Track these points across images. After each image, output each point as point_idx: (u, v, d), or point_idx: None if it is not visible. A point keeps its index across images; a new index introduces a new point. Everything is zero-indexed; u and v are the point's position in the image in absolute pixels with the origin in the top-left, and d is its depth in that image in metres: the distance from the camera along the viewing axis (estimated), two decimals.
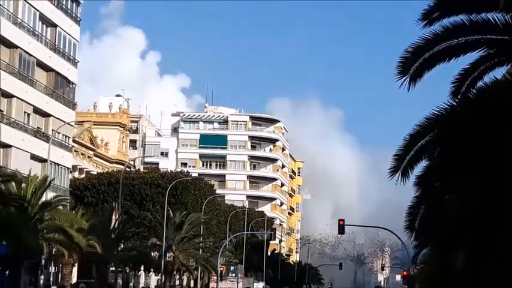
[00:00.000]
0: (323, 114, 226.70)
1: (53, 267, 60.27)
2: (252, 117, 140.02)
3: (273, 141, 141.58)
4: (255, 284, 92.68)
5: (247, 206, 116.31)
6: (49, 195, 49.67)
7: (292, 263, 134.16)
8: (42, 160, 58.03)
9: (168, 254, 68.10)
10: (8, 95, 56.02)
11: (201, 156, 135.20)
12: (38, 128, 60.58)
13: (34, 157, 58.51)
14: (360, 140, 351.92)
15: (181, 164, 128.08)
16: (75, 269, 57.71)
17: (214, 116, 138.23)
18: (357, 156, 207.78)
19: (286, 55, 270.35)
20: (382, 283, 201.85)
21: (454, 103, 19.81)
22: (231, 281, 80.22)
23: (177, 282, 78.45)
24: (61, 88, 63.79)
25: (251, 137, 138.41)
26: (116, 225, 59.38)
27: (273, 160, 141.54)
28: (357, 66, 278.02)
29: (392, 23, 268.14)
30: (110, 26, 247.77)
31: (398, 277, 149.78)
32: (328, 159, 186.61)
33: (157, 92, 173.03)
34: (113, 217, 59.57)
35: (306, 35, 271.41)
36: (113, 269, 63.82)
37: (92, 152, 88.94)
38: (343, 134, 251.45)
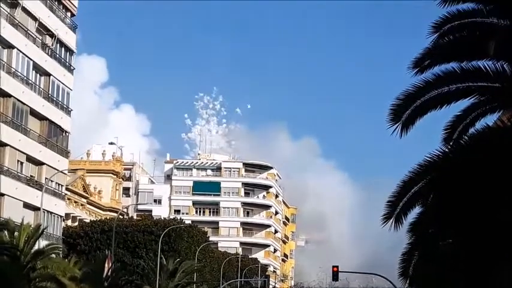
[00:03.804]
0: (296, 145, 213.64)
1: None
2: (245, 164, 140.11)
3: (266, 187, 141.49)
4: None
5: (241, 253, 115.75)
6: (42, 243, 49.48)
7: None
8: (35, 208, 57.87)
9: None
10: (1, 144, 56.06)
11: (195, 203, 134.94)
12: (31, 176, 60.50)
13: (27, 205, 58.35)
14: (345, 169, 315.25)
15: (175, 211, 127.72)
16: None
17: (207, 163, 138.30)
18: (349, 191, 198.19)
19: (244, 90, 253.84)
20: None
21: (447, 149, 19.93)
22: None
23: None
24: (54, 136, 63.87)
25: (244, 184, 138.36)
26: (108, 273, 59.01)
27: (267, 207, 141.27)
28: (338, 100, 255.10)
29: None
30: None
31: None
32: (317, 196, 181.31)
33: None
34: (106, 265, 59.21)
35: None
36: None
37: (85, 200, 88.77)
38: (328, 168, 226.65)
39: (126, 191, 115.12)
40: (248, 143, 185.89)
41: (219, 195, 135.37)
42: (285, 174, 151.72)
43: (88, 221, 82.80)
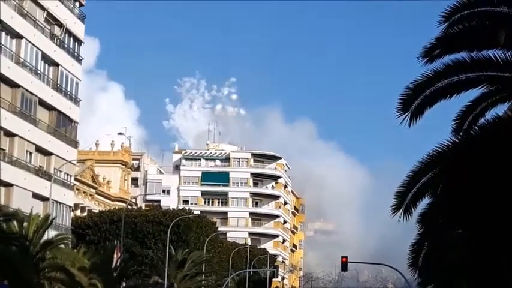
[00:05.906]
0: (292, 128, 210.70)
1: None
2: (253, 154, 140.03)
3: (275, 178, 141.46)
4: None
5: (250, 243, 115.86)
6: (51, 233, 49.51)
7: None
8: (44, 199, 57.92)
9: None
10: (10, 134, 56.06)
11: (203, 193, 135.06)
12: (40, 166, 60.53)
13: (36, 196, 58.39)
14: (348, 151, 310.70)
15: (183, 201, 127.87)
16: None
17: (216, 153, 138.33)
18: (355, 175, 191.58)
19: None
20: None
21: (456, 140, 19.82)
22: None
23: None
24: (63, 127, 63.85)
25: (253, 174, 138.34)
26: (117, 264, 59.04)
27: (275, 197, 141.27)
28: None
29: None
30: None
31: None
32: (322, 181, 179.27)
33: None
34: (115, 255, 59.23)
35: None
36: None
37: (93, 190, 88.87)
38: (330, 149, 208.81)
39: (134, 181, 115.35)
40: (239, 126, 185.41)
41: (227, 185, 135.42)
42: (285, 157, 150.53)
43: (97, 211, 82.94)
